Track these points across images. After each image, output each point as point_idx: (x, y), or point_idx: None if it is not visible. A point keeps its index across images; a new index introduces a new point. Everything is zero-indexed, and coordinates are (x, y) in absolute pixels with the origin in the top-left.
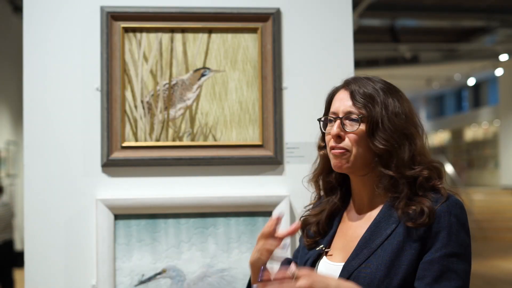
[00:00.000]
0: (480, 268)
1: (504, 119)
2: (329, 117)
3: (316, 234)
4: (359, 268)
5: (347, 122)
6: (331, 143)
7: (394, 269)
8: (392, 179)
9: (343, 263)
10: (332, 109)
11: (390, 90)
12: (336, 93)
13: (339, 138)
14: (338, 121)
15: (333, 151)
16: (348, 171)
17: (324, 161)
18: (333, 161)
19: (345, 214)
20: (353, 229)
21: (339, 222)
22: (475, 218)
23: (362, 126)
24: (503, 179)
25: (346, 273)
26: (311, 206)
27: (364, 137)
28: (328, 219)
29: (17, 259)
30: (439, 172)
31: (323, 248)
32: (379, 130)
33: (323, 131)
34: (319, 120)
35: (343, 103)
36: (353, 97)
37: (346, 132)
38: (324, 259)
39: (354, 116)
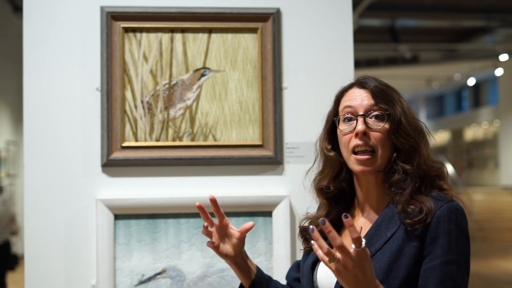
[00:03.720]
0: (480, 268)
1: (504, 119)
2: (346, 116)
3: None
4: None
5: (370, 120)
6: (354, 142)
7: (393, 273)
8: (404, 174)
9: None
10: (348, 107)
11: (396, 90)
12: (347, 92)
13: (364, 135)
14: (361, 118)
15: (359, 156)
16: (371, 173)
17: (334, 164)
18: (358, 167)
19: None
20: None
21: (341, 223)
22: (475, 218)
23: (386, 124)
24: (503, 179)
25: None
26: (311, 213)
27: (387, 135)
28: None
29: (11, 262)
30: (442, 171)
31: None
32: (403, 127)
33: (343, 130)
34: (333, 120)
35: (363, 101)
36: (374, 95)
37: (371, 130)
38: None
39: (379, 113)
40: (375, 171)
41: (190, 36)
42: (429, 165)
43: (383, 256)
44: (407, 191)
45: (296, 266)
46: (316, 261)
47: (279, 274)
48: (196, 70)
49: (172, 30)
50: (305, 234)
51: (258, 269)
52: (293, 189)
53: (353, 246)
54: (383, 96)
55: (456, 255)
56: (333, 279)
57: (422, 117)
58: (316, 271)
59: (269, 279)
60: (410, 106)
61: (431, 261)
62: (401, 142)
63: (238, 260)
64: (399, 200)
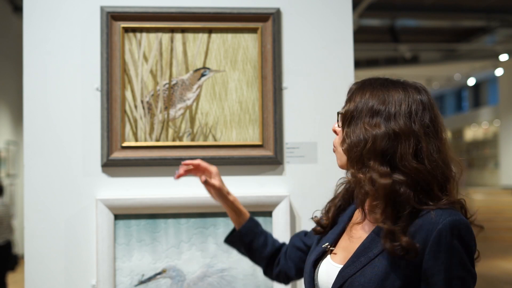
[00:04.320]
0: (480, 268)
1: (504, 119)
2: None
3: (323, 223)
4: (354, 276)
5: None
6: None
7: (389, 283)
8: (361, 188)
9: (342, 266)
10: None
11: (388, 88)
12: None
13: (335, 132)
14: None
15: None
16: (343, 169)
17: None
18: None
19: (355, 212)
20: (357, 230)
21: (349, 219)
22: (475, 218)
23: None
24: (503, 179)
25: (341, 279)
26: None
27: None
28: (336, 212)
29: (11, 262)
30: (415, 180)
31: (328, 246)
32: (348, 129)
33: None
34: None
35: None
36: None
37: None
38: (328, 258)
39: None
40: (346, 168)
41: (190, 36)
42: (364, 168)
43: (381, 263)
44: (381, 211)
45: (303, 235)
46: (319, 259)
47: None
48: (196, 70)
49: (172, 30)
50: (327, 211)
51: (250, 220)
52: (293, 189)
53: None
54: (348, 98)
55: (459, 270)
56: (332, 279)
57: None
58: (318, 269)
59: (257, 233)
60: (411, 108)
61: (433, 276)
62: (346, 144)
63: (229, 202)
64: (381, 234)
